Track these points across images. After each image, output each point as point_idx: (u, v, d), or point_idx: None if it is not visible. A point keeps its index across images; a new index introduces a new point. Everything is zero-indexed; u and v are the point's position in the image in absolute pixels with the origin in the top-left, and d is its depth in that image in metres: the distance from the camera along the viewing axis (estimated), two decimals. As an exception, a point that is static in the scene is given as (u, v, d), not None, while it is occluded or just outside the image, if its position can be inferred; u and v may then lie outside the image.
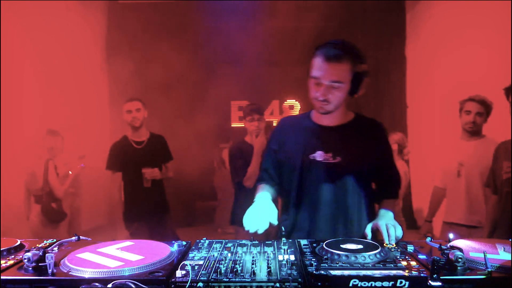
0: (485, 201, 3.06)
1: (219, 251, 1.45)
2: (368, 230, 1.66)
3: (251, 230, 1.58)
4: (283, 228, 1.76)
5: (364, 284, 1.14)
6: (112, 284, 1.13)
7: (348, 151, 1.81)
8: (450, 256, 1.23)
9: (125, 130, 3.75)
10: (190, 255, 1.41)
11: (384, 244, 1.51)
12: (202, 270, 1.25)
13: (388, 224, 1.59)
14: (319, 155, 1.81)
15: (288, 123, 2.00)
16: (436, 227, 3.53)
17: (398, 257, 1.35)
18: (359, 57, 1.73)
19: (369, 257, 1.30)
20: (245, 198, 2.85)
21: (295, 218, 1.86)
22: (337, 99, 1.74)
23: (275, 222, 1.65)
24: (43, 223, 3.81)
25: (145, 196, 3.56)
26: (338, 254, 1.32)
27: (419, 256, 1.37)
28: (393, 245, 1.51)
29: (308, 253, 1.41)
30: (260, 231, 1.58)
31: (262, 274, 1.21)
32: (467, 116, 3.12)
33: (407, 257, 1.35)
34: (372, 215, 1.86)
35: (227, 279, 1.17)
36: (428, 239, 1.47)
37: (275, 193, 1.94)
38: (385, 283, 1.14)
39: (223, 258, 1.36)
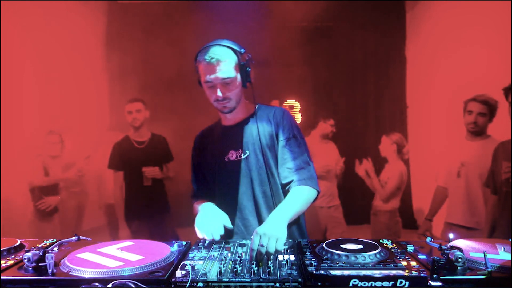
0: (485, 202, 3.05)
1: (219, 251, 1.45)
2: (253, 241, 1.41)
3: (208, 237, 1.60)
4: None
5: (364, 284, 1.14)
6: (112, 284, 1.13)
7: (255, 143, 1.84)
8: (450, 256, 1.23)
9: (125, 130, 3.76)
10: (190, 255, 1.41)
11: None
12: (202, 270, 1.25)
13: (260, 241, 1.37)
14: (231, 155, 1.87)
15: (201, 136, 2.06)
16: (436, 227, 3.53)
17: (398, 257, 1.35)
18: (237, 49, 1.79)
19: (369, 257, 1.30)
20: None
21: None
22: (235, 93, 1.80)
23: (230, 225, 1.70)
24: (37, 217, 3.82)
25: (146, 195, 3.61)
26: (338, 254, 1.32)
27: (419, 256, 1.37)
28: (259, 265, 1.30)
29: (308, 253, 1.41)
30: (217, 237, 1.60)
31: (262, 274, 1.21)
32: (469, 116, 3.11)
33: (407, 257, 1.35)
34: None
35: (227, 279, 1.17)
36: (428, 239, 1.47)
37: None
38: (385, 283, 1.14)
39: (223, 258, 1.36)
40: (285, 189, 1.82)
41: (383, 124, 5.58)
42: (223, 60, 1.73)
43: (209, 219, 1.68)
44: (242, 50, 1.80)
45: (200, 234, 1.66)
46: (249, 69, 1.80)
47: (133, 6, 5.76)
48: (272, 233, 1.40)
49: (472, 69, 3.99)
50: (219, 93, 1.76)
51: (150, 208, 3.60)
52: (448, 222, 3.26)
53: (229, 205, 1.86)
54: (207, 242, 1.58)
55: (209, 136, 2.01)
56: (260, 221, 1.82)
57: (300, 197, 1.72)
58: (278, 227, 1.47)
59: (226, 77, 1.74)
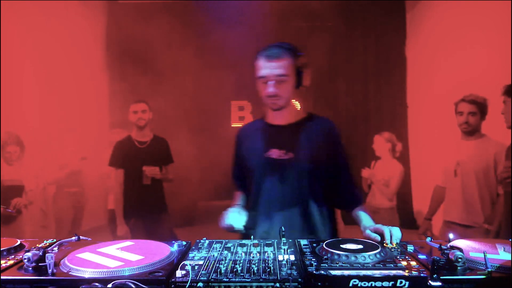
0: (481, 201, 3.08)
1: (219, 251, 1.45)
2: (371, 234, 1.67)
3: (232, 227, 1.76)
4: (283, 228, 1.77)
5: (364, 284, 1.14)
6: (112, 284, 1.12)
7: (300, 147, 1.89)
8: (450, 256, 1.23)
9: (125, 130, 3.77)
10: (190, 255, 1.41)
11: (385, 244, 1.51)
12: (202, 270, 1.25)
13: (389, 227, 1.62)
14: (273, 153, 1.91)
15: (244, 129, 2.12)
16: (436, 226, 3.54)
17: (398, 257, 1.35)
18: (297, 51, 1.86)
19: (369, 257, 1.30)
20: None
21: (256, 215, 1.93)
22: (286, 92, 1.85)
23: (240, 226, 1.78)
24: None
25: (144, 194, 3.67)
26: (338, 254, 1.32)
27: (419, 256, 1.37)
28: (393, 244, 1.51)
29: (308, 253, 1.41)
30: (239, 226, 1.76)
31: (262, 274, 1.21)
32: (460, 117, 3.16)
33: (407, 257, 1.35)
34: (324, 214, 1.93)
35: (227, 279, 1.17)
36: (428, 239, 1.47)
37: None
38: (385, 283, 1.14)
39: (223, 258, 1.36)
40: (341, 200, 1.95)
41: (383, 124, 5.59)
42: (281, 58, 1.81)
43: (233, 214, 1.81)
44: (300, 54, 1.87)
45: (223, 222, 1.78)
46: (303, 73, 1.87)
47: (133, 6, 5.77)
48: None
49: (472, 69, 4.00)
50: (271, 89, 1.82)
51: (147, 207, 3.65)
52: (446, 220, 3.29)
53: (258, 199, 1.92)
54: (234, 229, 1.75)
55: (250, 130, 2.06)
56: (288, 219, 1.87)
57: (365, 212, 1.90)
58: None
59: (280, 74, 1.81)
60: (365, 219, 1.84)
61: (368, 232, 1.70)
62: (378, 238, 1.63)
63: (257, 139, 1.98)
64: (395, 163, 4.14)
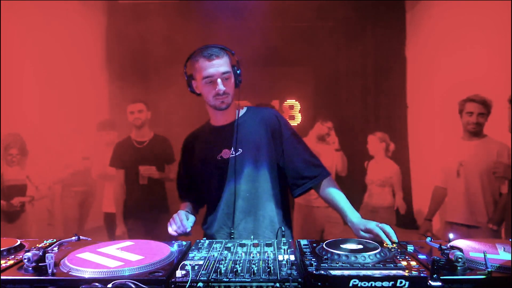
0: (485, 201, 3.08)
1: (219, 251, 1.45)
2: (366, 234, 1.66)
3: (177, 223, 1.75)
4: (282, 228, 1.77)
5: (364, 284, 1.14)
6: (112, 284, 1.13)
7: (246, 141, 1.92)
8: (450, 256, 1.23)
9: (125, 130, 3.78)
10: (190, 255, 1.41)
11: (385, 245, 1.51)
12: (202, 270, 1.25)
13: (379, 224, 1.61)
14: (225, 153, 1.93)
15: (191, 135, 2.12)
16: (436, 227, 3.54)
17: (398, 257, 1.35)
18: (229, 50, 1.89)
19: (369, 257, 1.30)
20: None
21: (217, 217, 1.94)
22: (232, 89, 1.88)
23: (188, 229, 1.76)
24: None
25: (143, 194, 3.65)
26: (338, 254, 1.32)
27: (419, 256, 1.37)
28: (394, 242, 1.51)
29: (308, 253, 1.41)
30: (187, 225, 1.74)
31: (262, 274, 1.21)
32: (470, 117, 3.13)
33: (407, 257, 1.35)
34: (284, 201, 1.98)
35: (227, 279, 1.17)
36: (428, 239, 1.47)
37: (197, 206, 2.12)
38: (385, 283, 1.14)
39: (223, 258, 1.36)
40: (298, 180, 1.92)
41: (383, 124, 5.59)
42: (221, 57, 1.83)
43: (179, 215, 1.80)
44: (233, 52, 1.90)
45: (172, 227, 1.77)
46: (239, 71, 1.91)
47: (133, 6, 5.76)
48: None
49: (472, 69, 4.00)
50: (221, 86, 1.82)
51: (146, 207, 3.65)
52: (449, 221, 3.28)
53: (218, 201, 1.94)
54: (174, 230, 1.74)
55: (198, 137, 2.07)
56: (242, 216, 1.89)
57: (339, 190, 1.90)
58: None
59: (226, 71, 1.83)
60: (351, 213, 1.79)
61: (362, 234, 1.69)
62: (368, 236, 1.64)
63: (206, 143, 2.00)
64: (390, 162, 4.15)
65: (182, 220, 1.76)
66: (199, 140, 2.05)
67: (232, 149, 1.92)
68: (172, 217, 1.82)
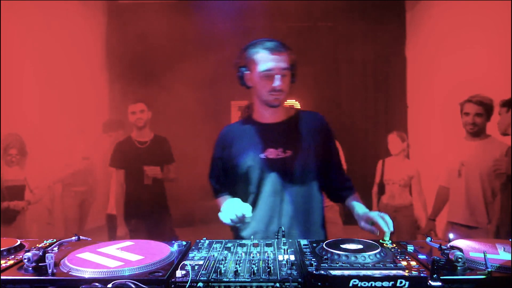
0: (486, 201, 3.08)
1: (219, 251, 1.45)
2: (366, 225, 1.67)
3: (238, 214, 1.60)
4: (282, 228, 1.76)
5: (364, 284, 1.14)
6: (112, 284, 1.12)
7: (296, 144, 1.86)
8: (450, 256, 1.23)
9: (125, 130, 3.78)
10: (190, 255, 1.41)
11: (381, 237, 1.53)
12: (202, 270, 1.25)
13: (380, 214, 1.63)
14: (270, 153, 1.85)
15: (230, 129, 2.00)
16: (440, 227, 3.54)
17: (398, 257, 1.35)
18: (288, 48, 1.83)
19: (369, 257, 1.30)
20: None
21: (255, 219, 1.85)
22: (287, 87, 1.83)
23: (249, 214, 1.62)
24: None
25: (145, 194, 3.66)
26: (338, 254, 1.32)
27: (419, 256, 1.37)
28: (392, 232, 1.54)
29: (308, 253, 1.41)
30: (248, 213, 1.61)
31: (262, 274, 1.21)
32: (467, 118, 3.15)
33: (407, 257, 1.35)
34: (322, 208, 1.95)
35: (227, 279, 1.17)
36: (428, 239, 1.47)
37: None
38: (385, 283, 1.14)
39: (223, 258, 1.36)
40: (333, 191, 1.95)
41: (383, 123, 5.59)
42: (283, 52, 1.78)
43: (235, 202, 1.67)
44: (291, 49, 1.84)
45: (228, 215, 1.63)
46: (296, 69, 1.85)
47: (133, 6, 5.77)
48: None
49: (472, 69, 4.00)
50: (278, 82, 1.76)
51: (149, 207, 3.65)
52: (450, 221, 3.28)
53: (256, 202, 1.85)
54: (236, 220, 1.61)
55: (237, 131, 1.96)
56: (281, 218, 1.83)
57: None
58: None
59: (285, 68, 1.77)
60: (358, 206, 1.83)
61: (363, 224, 1.69)
62: (376, 231, 1.64)
63: (249, 139, 1.90)
64: (409, 162, 4.13)
65: (239, 205, 1.63)
66: (240, 134, 1.93)
67: (280, 149, 1.84)
68: (222, 206, 1.71)
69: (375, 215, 1.63)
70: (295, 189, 1.84)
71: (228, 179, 1.97)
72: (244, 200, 1.84)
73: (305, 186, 1.85)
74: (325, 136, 1.93)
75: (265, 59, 1.76)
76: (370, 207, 1.86)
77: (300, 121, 1.91)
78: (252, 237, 1.57)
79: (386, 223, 1.57)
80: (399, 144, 4.15)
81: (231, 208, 1.64)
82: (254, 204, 1.85)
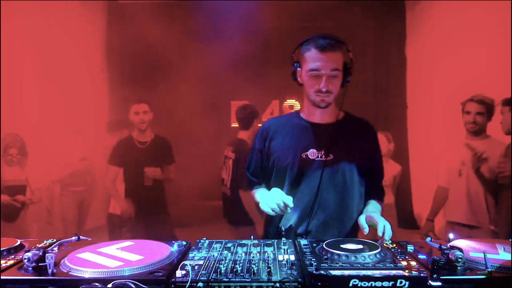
0: (486, 201, 3.08)
1: (219, 251, 1.45)
2: (363, 222, 1.60)
3: (281, 204, 1.58)
4: (283, 228, 1.76)
5: (364, 284, 1.14)
6: (112, 284, 1.13)
7: (339, 149, 1.81)
8: (450, 256, 1.23)
9: (130, 130, 3.81)
10: (190, 255, 1.41)
11: (377, 238, 1.50)
12: (202, 270, 1.25)
13: (385, 222, 1.56)
14: (311, 153, 1.81)
15: (275, 122, 1.95)
16: (439, 227, 3.54)
17: (398, 257, 1.35)
18: (346, 45, 1.77)
19: (369, 257, 1.30)
20: None
21: (283, 218, 1.83)
22: (336, 88, 1.76)
23: (291, 204, 1.60)
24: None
25: (144, 195, 3.67)
26: (338, 254, 1.32)
27: (419, 256, 1.37)
28: (387, 240, 1.49)
29: (308, 253, 1.41)
30: (290, 203, 1.58)
31: (262, 274, 1.21)
32: (467, 116, 3.15)
33: (407, 257, 1.35)
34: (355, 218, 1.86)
35: (227, 279, 1.17)
36: (428, 239, 1.47)
37: None
38: (385, 283, 1.14)
39: (223, 258, 1.36)
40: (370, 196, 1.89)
41: (383, 124, 5.58)
42: (335, 51, 1.70)
43: (277, 192, 1.64)
44: (349, 49, 1.77)
45: (270, 204, 1.61)
46: (351, 68, 1.78)
47: (133, 6, 5.76)
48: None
49: (472, 69, 3.99)
50: (325, 83, 1.70)
51: (148, 207, 3.65)
52: (450, 221, 3.28)
53: (299, 200, 1.79)
54: (277, 211, 1.59)
55: (284, 124, 1.91)
56: (329, 224, 1.79)
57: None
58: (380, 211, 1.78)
59: (335, 69, 1.71)
60: (372, 204, 1.79)
61: (361, 218, 1.62)
62: (366, 230, 1.57)
63: (293, 136, 1.84)
64: (393, 162, 4.12)
65: (282, 195, 1.60)
66: (284, 129, 1.88)
67: (323, 152, 1.79)
68: (261, 195, 1.70)
69: (380, 220, 1.56)
70: (331, 194, 1.79)
71: (266, 172, 1.92)
72: None
73: (342, 193, 1.80)
74: (372, 146, 1.88)
75: (314, 58, 1.70)
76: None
77: (348, 126, 1.86)
78: (252, 237, 1.57)
79: (384, 231, 1.50)
80: (385, 144, 4.13)
81: (273, 197, 1.61)
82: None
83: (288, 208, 1.59)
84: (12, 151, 3.74)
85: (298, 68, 1.80)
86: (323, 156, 1.79)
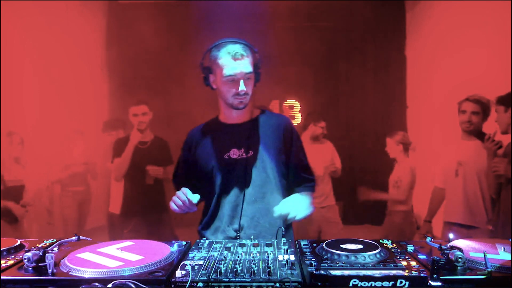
0: (484, 201, 3.08)
1: (219, 251, 1.45)
2: (275, 208, 1.73)
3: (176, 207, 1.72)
4: (282, 228, 1.77)
5: (364, 284, 1.14)
6: (112, 284, 1.13)
7: (257, 144, 1.88)
8: (450, 256, 1.23)
9: (126, 130, 3.79)
10: (190, 255, 1.41)
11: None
12: (202, 270, 1.25)
13: (287, 202, 1.73)
14: (233, 153, 1.88)
15: (197, 131, 2.02)
16: (436, 228, 3.53)
17: (398, 257, 1.35)
18: (253, 48, 1.85)
19: (369, 257, 1.30)
20: None
21: (217, 219, 1.90)
22: (251, 89, 1.85)
23: (195, 200, 1.71)
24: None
25: (145, 194, 3.67)
26: (338, 254, 1.32)
27: (419, 256, 1.37)
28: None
29: (308, 253, 1.41)
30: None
31: (262, 274, 1.21)
32: (463, 116, 3.16)
33: (407, 257, 1.35)
34: None
35: (227, 279, 1.17)
36: (428, 239, 1.47)
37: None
38: (385, 283, 1.14)
39: (223, 258, 1.36)
40: (291, 187, 1.95)
41: (383, 124, 5.58)
42: (246, 56, 1.79)
43: (183, 190, 1.74)
44: (256, 50, 1.85)
45: (176, 202, 1.73)
46: (259, 70, 1.87)
47: (133, 6, 5.76)
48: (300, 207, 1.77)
49: (472, 69, 3.99)
50: (243, 87, 1.78)
51: (149, 207, 3.66)
52: (448, 221, 3.27)
53: (219, 202, 1.89)
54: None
55: (204, 132, 1.99)
56: (242, 217, 1.86)
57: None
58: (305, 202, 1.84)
59: (249, 72, 1.79)
60: (292, 195, 1.87)
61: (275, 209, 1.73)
62: (275, 214, 1.71)
63: (214, 140, 1.94)
64: (407, 162, 4.10)
65: (187, 193, 1.69)
66: (205, 135, 1.97)
67: (243, 150, 1.87)
68: (175, 194, 1.76)
69: (282, 202, 1.75)
70: (256, 189, 1.86)
71: (193, 180, 1.98)
72: (209, 200, 1.92)
73: (265, 186, 1.87)
74: (288, 138, 1.94)
75: (227, 65, 1.77)
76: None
77: (263, 122, 1.94)
78: (252, 237, 1.57)
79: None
80: (393, 146, 4.10)
81: (178, 195, 1.72)
82: (217, 203, 1.89)
83: (194, 206, 1.71)
84: (12, 150, 3.72)
85: (210, 74, 1.87)
86: (244, 154, 1.87)
